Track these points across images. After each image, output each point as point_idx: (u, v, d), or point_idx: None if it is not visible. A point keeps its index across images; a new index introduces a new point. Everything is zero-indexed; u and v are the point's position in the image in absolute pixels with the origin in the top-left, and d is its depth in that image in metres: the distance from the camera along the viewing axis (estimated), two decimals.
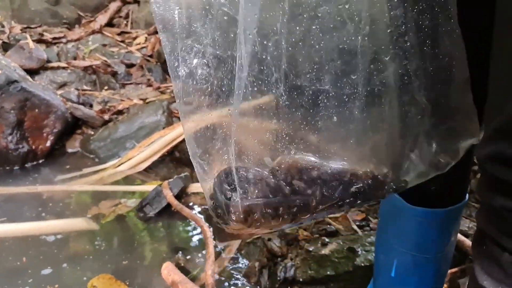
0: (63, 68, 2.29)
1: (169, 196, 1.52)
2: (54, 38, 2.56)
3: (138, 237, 1.47)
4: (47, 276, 1.24)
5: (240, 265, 1.26)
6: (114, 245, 1.44)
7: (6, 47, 2.40)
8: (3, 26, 2.56)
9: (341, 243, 1.24)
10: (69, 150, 2.05)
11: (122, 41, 2.78)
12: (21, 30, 2.61)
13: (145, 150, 1.88)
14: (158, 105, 2.11)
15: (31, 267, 1.26)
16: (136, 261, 1.33)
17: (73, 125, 2.08)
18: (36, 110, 1.91)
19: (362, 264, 1.16)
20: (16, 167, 1.87)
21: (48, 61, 2.32)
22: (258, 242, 1.29)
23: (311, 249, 1.22)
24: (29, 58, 2.18)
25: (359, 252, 1.19)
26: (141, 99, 2.24)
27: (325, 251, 1.20)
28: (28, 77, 2.05)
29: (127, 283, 1.20)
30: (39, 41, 2.46)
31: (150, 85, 2.38)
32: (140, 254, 1.36)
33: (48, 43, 2.52)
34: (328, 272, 1.14)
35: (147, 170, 1.88)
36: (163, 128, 2.01)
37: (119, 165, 1.87)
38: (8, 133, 1.84)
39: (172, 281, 1.06)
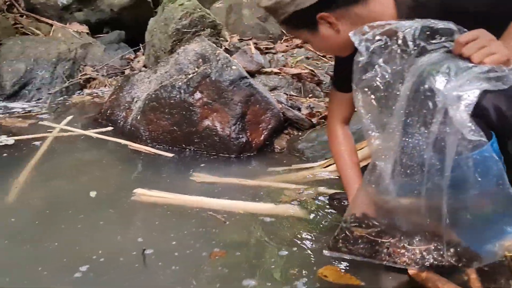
0: (275, 73, 2.47)
1: None
2: (266, 48, 2.80)
3: None
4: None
5: None
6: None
7: (227, 52, 2.69)
8: (225, 36, 2.90)
9: None
10: (276, 147, 2.16)
11: (323, 56, 2.90)
12: (238, 40, 2.92)
13: None
14: None
15: (269, 246, 1.31)
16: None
17: (282, 125, 2.20)
18: (257, 106, 2.07)
19: None
20: (233, 156, 2.04)
21: (262, 67, 2.52)
22: None
23: None
24: (250, 61, 2.41)
25: None
26: None
27: None
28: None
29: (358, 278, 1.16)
30: (255, 48, 2.71)
31: None
32: None
33: (261, 52, 2.75)
34: None
35: None
36: None
37: (327, 166, 1.89)
38: (232, 123, 2.02)
39: (426, 278, 0.98)
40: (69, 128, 2.25)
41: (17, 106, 2.68)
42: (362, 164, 1.86)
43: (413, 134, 0.93)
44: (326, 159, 1.95)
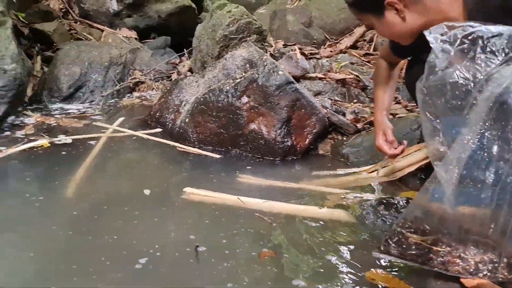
0: (320, 79, 2.49)
1: None
2: (310, 54, 2.82)
3: None
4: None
5: None
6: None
7: (272, 57, 2.74)
8: (270, 42, 2.95)
9: None
10: (320, 152, 2.18)
11: (368, 62, 2.89)
12: (282, 45, 2.97)
13: (401, 161, 1.86)
14: (413, 120, 2.09)
15: (316, 249, 1.33)
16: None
17: (326, 130, 2.22)
18: (303, 110, 2.10)
19: None
20: (278, 159, 2.08)
21: (307, 72, 2.55)
22: None
23: None
24: (295, 67, 2.44)
25: None
26: (390, 114, 2.25)
27: None
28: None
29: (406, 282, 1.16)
30: (300, 53, 2.74)
31: (398, 102, 2.39)
32: None
33: (306, 57, 2.78)
34: None
35: (401, 180, 1.86)
36: (417, 142, 1.98)
37: (373, 171, 1.90)
38: (278, 127, 2.06)
39: (479, 285, 0.98)
40: (121, 129, 2.36)
41: (73, 107, 2.84)
42: (411, 168, 1.87)
43: (490, 149, 0.91)
44: (371, 164, 1.96)
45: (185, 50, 4.17)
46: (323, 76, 2.50)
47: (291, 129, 2.09)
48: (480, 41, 0.95)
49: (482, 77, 0.94)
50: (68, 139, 2.17)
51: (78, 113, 2.73)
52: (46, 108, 2.77)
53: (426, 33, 1.04)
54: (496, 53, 0.94)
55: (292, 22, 3.34)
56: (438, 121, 0.99)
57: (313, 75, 2.52)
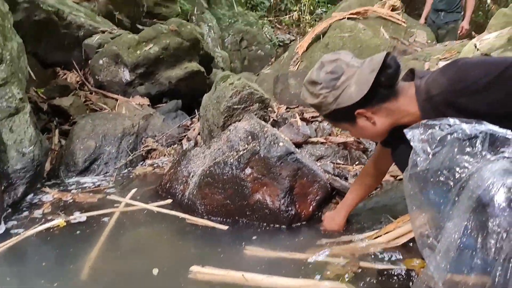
0: (321, 143, 2.59)
1: None
2: (312, 117, 2.94)
3: None
4: None
5: None
6: None
7: (274, 124, 2.86)
8: (272, 107, 3.08)
9: None
10: None
11: None
12: (285, 110, 3.10)
13: (404, 226, 1.90)
14: None
15: None
16: None
17: (329, 195, 2.28)
18: (305, 179, 2.18)
19: None
20: (283, 226, 2.14)
21: (309, 137, 2.65)
22: None
23: None
24: (297, 133, 2.55)
25: None
26: (392, 176, 2.31)
27: None
28: (297, 149, 2.37)
29: None
30: (301, 119, 2.86)
31: None
32: None
33: (307, 121, 2.89)
34: None
35: (405, 245, 1.88)
36: None
37: (376, 237, 1.93)
38: (281, 196, 2.13)
39: None
40: (133, 202, 2.46)
41: (88, 180, 2.97)
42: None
43: (474, 245, 0.98)
44: (373, 230, 2.00)
45: (196, 111, 4.35)
46: (324, 140, 2.60)
47: (294, 198, 2.16)
48: (456, 143, 1.04)
49: (462, 176, 1.02)
50: (83, 217, 2.27)
51: (93, 186, 2.86)
52: (63, 183, 2.91)
53: (405, 131, 1.15)
54: (473, 155, 1.03)
55: (294, 85, 3.50)
56: (424, 214, 1.07)
57: (315, 139, 2.62)
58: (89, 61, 4.64)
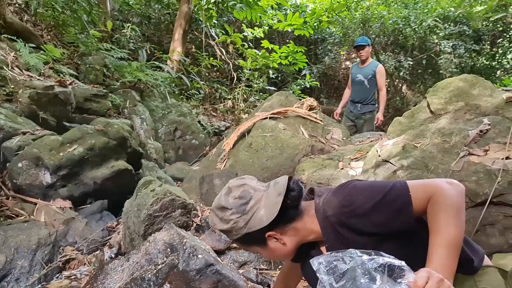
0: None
1: None
2: None
3: None
4: None
5: None
6: None
7: (198, 229, 2.84)
8: (196, 211, 3.08)
9: None
10: None
11: None
12: (209, 212, 3.09)
13: None
14: None
15: None
16: None
17: None
18: None
19: None
20: None
21: (231, 243, 2.64)
22: None
23: None
24: (219, 240, 2.54)
25: None
26: None
27: None
28: (218, 258, 2.35)
29: None
30: None
31: None
32: None
33: None
34: None
35: None
36: None
37: None
38: None
39: None
40: None
41: None
42: None
43: None
44: None
45: (123, 210, 4.21)
46: None
47: None
48: (359, 278, 1.11)
49: None
50: None
51: None
52: None
53: (311, 262, 1.20)
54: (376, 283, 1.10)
55: (219, 186, 3.55)
56: None
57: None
58: (7, 164, 4.43)
